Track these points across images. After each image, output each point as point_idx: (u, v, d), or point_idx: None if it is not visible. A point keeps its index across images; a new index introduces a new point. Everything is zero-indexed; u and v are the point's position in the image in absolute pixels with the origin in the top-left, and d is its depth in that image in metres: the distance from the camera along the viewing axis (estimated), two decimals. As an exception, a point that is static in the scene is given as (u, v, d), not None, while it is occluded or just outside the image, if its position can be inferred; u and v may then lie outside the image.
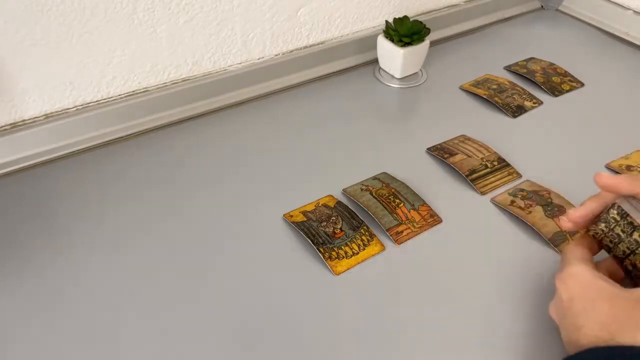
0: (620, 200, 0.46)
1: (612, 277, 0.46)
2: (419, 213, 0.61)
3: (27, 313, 0.51)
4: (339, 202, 0.62)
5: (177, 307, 0.52)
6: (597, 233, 0.47)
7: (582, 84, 0.84)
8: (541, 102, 0.80)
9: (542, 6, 1.05)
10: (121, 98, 0.70)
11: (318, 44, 0.83)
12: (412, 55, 0.81)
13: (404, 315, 0.52)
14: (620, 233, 0.46)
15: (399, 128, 0.76)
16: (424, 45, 0.81)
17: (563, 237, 0.58)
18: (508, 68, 0.87)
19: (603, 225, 0.47)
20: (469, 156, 0.68)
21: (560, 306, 0.45)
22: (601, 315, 0.42)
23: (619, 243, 0.46)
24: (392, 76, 0.83)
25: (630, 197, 0.46)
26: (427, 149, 0.70)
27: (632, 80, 0.86)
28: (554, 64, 0.87)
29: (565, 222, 0.49)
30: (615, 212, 0.46)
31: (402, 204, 0.62)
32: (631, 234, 0.45)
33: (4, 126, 0.65)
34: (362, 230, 0.59)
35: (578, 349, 0.42)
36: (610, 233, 0.47)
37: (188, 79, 0.74)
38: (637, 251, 0.45)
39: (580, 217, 0.48)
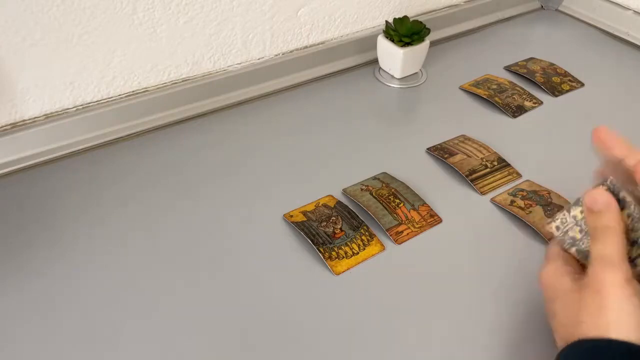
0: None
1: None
2: (418, 213, 0.61)
3: (27, 313, 0.51)
4: (339, 202, 0.62)
5: (176, 307, 0.52)
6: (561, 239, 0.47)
7: (582, 84, 0.84)
8: (541, 102, 0.80)
9: (542, 6, 1.05)
10: (121, 98, 0.70)
11: (318, 44, 0.83)
12: (412, 55, 0.81)
13: (404, 315, 0.52)
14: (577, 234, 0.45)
15: (399, 128, 0.76)
16: (424, 45, 0.81)
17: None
18: (508, 68, 0.87)
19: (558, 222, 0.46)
20: (469, 156, 0.68)
21: (546, 309, 0.46)
22: (560, 314, 0.43)
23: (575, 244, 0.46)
24: (392, 76, 0.83)
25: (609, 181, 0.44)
26: (427, 149, 0.70)
27: (632, 80, 0.86)
28: (554, 64, 0.87)
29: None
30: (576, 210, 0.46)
31: (402, 204, 0.62)
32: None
33: (4, 126, 0.65)
34: (362, 230, 0.59)
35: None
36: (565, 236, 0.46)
37: (188, 79, 0.74)
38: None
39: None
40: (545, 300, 0.46)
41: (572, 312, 0.42)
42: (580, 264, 0.46)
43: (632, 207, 0.42)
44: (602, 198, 0.42)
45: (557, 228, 0.47)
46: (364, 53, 0.87)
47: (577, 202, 0.46)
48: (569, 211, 0.46)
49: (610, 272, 0.40)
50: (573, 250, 0.46)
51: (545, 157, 0.70)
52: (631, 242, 0.43)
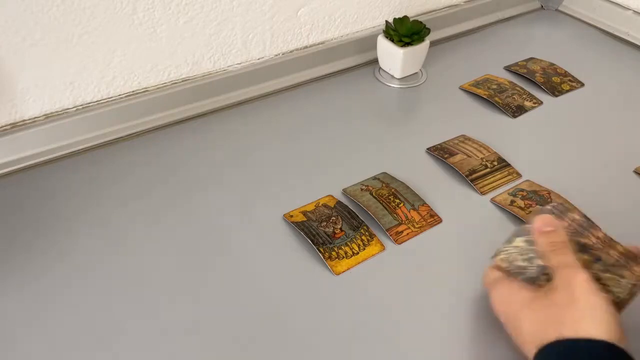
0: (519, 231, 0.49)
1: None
2: (418, 213, 0.61)
3: (28, 313, 0.51)
4: (339, 202, 0.62)
5: (177, 307, 0.52)
6: (503, 259, 0.49)
7: (582, 84, 0.84)
8: (541, 102, 0.80)
9: (542, 6, 1.05)
10: (121, 98, 0.70)
11: (318, 44, 0.83)
12: (412, 55, 0.81)
13: (403, 315, 0.52)
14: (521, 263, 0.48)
15: (399, 128, 0.76)
16: (424, 45, 0.81)
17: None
18: (508, 68, 0.87)
19: (511, 251, 0.49)
20: (469, 156, 0.68)
21: (508, 331, 0.47)
22: (526, 324, 0.44)
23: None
24: (392, 76, 0.83)
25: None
26: (427, 149, 0.70)
27: (632, 80, 0.86)
28: (554, 64, 0.87)
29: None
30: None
31: (402, 204, 0.62)
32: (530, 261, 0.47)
33: (4, 126, 0.65)
34: (362, 230, 0.59)
35: None
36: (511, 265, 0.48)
37: (188, 79, 0.74)
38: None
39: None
40: (506, 321, 0.47)
41: (541, 316, 0.43)
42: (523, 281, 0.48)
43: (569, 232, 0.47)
44: (551, 219, 0.47)
45: (502, 260, 0.49)
46: (364, 53, 0.87)
47: (516, 234, 0.49)
48: (510, 243, 0.49)
49: (578, 273, 0.43)
50: (520, 278, 0.48)
51: (545, 157, 0.70)
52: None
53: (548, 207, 0.49)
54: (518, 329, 0.45)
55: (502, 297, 0.48)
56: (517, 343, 0.45)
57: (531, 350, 0.43)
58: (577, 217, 0.48)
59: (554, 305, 0.43)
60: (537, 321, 0.43)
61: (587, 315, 0.41)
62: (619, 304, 0.45)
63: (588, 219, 0.52)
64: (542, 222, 0.47)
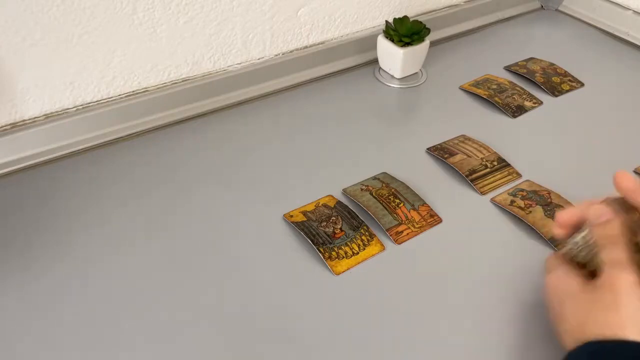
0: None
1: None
2: (418, 213, 0.61)
3: (28, 313, 0.51)
4: (339, 202, 0.62)
5: (177, 307, 0.52)
6: (566, 253, 0.49)
7: (582, 84, 0.84)
8: (541, 102, 0.80)
9: (542, 6, 1.05)
10: (121, 98, 0.70)
11: (318, 44, 0.83)
12: (412, 55, 0.81)
13: (403, 315, 0.52)
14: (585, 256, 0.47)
15: (399, 128, 0.76)
16: (424, 45, 0.81)
17: (563, 237, 0.58)
18: (508, 68, 0.87)
19: (570, 246, 0.48)
20: (469, 156, 0.68)
21: (551, 316, 0.46)
22: (570, 316, 0.44)
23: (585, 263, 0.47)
24: (392, 76, 0.83)
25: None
26: (427, 149, 0.70)
27: (632, 80, 0.86)
28: (554, 64, 0.87)
29: (556, 229, 0.50)
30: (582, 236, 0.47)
31: (402, 204, 0.62)
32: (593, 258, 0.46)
33: (4, 126, 0.65)
34: (362, 230, 0.59)
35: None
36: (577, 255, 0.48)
37: (188, 79, 0.74)
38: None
39: (569, 219, 0.49)
40: (552, 305, 0.46)
41: (583, 312, 0.43)
42: (587, 272, 0.47)
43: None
44: (606, 210, 0.46)
45: (564, 255, 0.48)
46: (364, 53, 0.87)
47: (580, 231, 0.48)
48: (573, 238, 0.48)
49: (624, 273, 0.42)
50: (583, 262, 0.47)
51: (545, 157, 0.70)
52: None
53: (604, 199, 0.47)
54: (562, 316, 0.44)
55: (555, 281, 0.47)
56: (557, 330, 0.45)
57: (568, 341, 0.42)
58: (636, 217, 0.46)
59: (599, 303, 0.42)
60: (580, 315, 0.43)
61: (629, 319, 0.40)
62: None
63: None
64: (596, 212, 0.46)
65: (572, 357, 0.41)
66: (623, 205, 0.46)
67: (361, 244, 0.57)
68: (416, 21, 0.80)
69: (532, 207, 0.62)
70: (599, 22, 0.98)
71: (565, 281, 0.46)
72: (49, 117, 0.67)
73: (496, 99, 0.79)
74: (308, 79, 0.82)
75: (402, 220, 0.60)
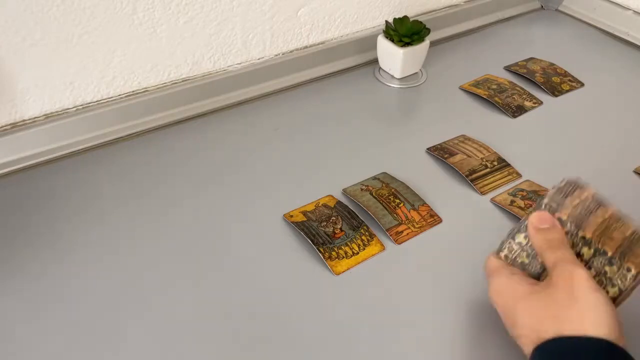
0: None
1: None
2: (418, 213, 0.61)
3: (27, 313, 0.51)
4: (339, 202, 0.62)
5: (177, 307, 0.52)
6: (506, 255, 0.49)
7: (582, 84, 0.84)
8: (541, 102, 0.80)
9: (542, 6, 1.05)
10: (121, 98, 0.70)
11: (318, 44, 0.83)
12: (412, 55, 0.81)
13: (403, 315, 0.52)
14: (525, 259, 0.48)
15: (399, 128, 0.76)
16: (424, 45, 0.81)
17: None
18: (508, 68, 0.87)
19: (514, 248, 0.49)
20: (469, 156, 0.68)
21: (504, 323, 0.46)
22: (525, 319, 0.43)
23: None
24: (392, 76, 0.83)
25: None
26: (427, 149, 0.70)
27: (632, 80, 0.86)
28: (554, 64, 0.87)
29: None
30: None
31: (402, 204, 0.62)
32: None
33: (4, 126, 0.65)
34: (362, 230, 0.59)
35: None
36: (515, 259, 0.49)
37: (188, 79, 0.74)
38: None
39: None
40: (502, 311, 0.46)
41: (538, 312, 0.43)
42: (527, 273, 0.48)
43: (569, 224, 0.46)
44: (547, 216, 0.47)
45: (506, 257, 0.49)
46: (364, 53, 0.87)
47: (519, 229, 0.49)
48: (513, 239, 0.49)
49: (578, 268, 0.43)
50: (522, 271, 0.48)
51: (545, 157, 0.70)
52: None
53: (545, 200, 0.48)
54: (513, 322, 0.44)
55: (500, 287, 0.47)
56: (512, 335, 0.45)
57: (526, 344, 0.42)
58: (585, 196, 0.46)
59: (553, 302, 0.42)
60: (534, 316, 0.43)
61: (586, 314, 0.41)
62: (619, 297, 0.44)
63: (597, 198, 0.47)
64: (537, 219, 0.47)
65: (539, 356, 0.41)
66: (564, 195, 0.47)
67: (361, 244, 0.57)
68: (416, 21, 0.80)
69: (532, 207, 0.61)
70: (599, 22, 0.98)
71: (512, 286, 0.46)
72: (49, 117, 0.67)
73: (496, 99, 0.79)
74: (308, 79, 0.82)
75: (402, 220, 0.60)
